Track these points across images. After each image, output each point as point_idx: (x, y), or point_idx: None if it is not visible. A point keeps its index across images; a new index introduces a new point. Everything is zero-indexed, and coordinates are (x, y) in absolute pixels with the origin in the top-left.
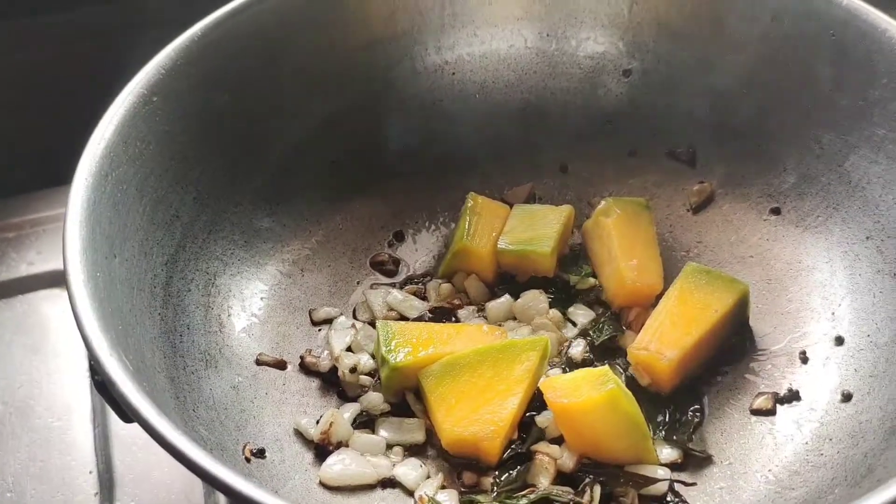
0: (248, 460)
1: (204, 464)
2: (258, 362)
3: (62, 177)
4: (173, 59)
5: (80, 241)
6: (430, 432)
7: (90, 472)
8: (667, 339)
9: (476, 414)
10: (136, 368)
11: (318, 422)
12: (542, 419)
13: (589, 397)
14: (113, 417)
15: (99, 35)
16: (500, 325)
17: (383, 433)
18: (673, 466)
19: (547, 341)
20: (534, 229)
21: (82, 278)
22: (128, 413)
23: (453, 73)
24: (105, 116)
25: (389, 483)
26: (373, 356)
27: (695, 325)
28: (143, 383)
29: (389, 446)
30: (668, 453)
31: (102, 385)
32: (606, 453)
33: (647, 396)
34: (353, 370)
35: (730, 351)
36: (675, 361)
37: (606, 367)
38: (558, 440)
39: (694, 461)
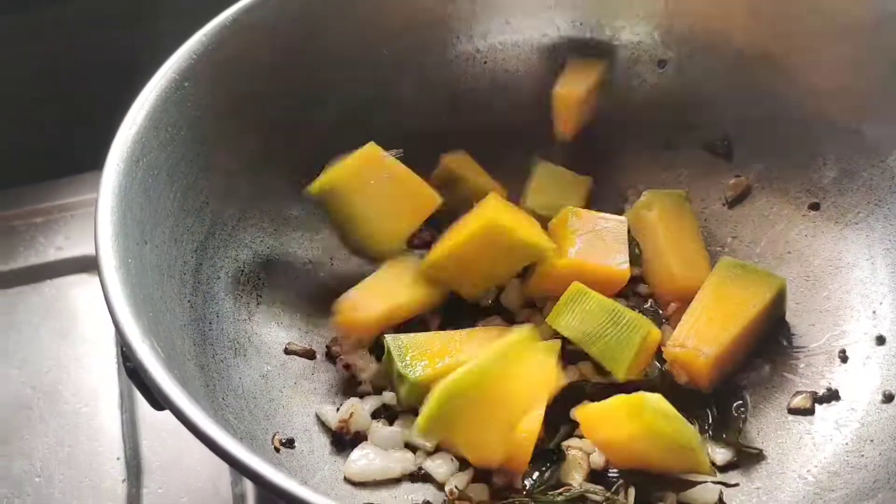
0: (277, 450)
1: (239, 454)
2: (287, 351)
3: (89, 163)
4: (205, 44)
5: (112, 226)
6: None
7: (118, 458)
8: (703, 335)
9: (499, 436)
10: (167, 356)
11: (338, 409)
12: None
13: (629, 432)
14: (141, 403)
15: (127, 21)
16: (516, 314)
17: (406, 430)
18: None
19: (558, 345)
20: None
21: (114, 264)
22: (160, 400)
23: (485, 62)
24: (136, 102)
25: (419, 476)
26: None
27: (732, 320)
28: (175, 371)
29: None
30: (722, 455)
31: (134, 371)
32: (657, 469)
33: (688, 395)
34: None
35: (766, 348)
36: (713, 358)
37: (641, 393)
38: None
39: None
